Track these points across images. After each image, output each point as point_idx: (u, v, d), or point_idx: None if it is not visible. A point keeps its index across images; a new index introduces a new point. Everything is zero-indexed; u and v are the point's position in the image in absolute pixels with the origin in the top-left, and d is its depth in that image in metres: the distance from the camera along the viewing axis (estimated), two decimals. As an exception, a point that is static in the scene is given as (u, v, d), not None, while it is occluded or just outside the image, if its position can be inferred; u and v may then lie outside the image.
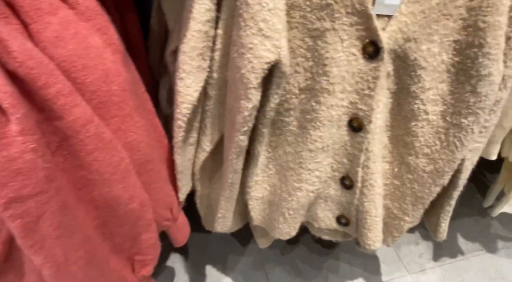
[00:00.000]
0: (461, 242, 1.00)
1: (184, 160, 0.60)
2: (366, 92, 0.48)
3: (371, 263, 0.94)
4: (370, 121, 0.50)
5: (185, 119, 0.53)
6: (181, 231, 0.69)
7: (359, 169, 0.54)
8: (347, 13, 0.43)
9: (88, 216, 0.48)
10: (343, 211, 0.61)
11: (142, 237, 0.55)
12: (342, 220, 0.62)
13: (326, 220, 0.63)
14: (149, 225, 0.55)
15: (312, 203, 0.61)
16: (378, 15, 0.45)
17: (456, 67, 0.47)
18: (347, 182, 0.57)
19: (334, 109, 0.50)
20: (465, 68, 0.46)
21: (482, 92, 0.46)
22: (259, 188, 0.63)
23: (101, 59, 0.42)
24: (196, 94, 0.51)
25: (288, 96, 0.52)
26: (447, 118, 0.50)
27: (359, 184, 0.56)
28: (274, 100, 0.48)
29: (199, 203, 0.70)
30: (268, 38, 0.42)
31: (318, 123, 0.51)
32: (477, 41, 0.44)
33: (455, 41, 0.45)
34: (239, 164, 0.54)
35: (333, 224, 0.63)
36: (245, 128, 0.48)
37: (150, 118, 0.55)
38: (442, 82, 0.48)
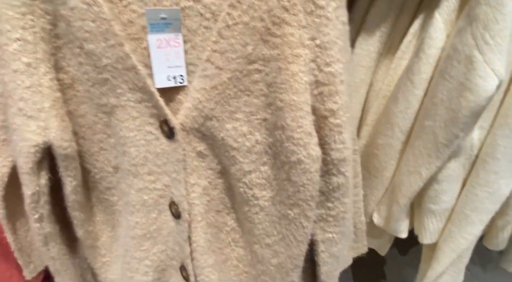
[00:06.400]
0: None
1: (20, 236, 0.53)
2: (174, 176, 0.41)
3: None
4: (184, 209, 0.42)
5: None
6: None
7: (188, 261, 0.45)
8: (130, 89, 0.37)
9: None
10: (191, 304, 0.51)
11: None
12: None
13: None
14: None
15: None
16: (175, 88, 0.38)
17: (272, 149, 0.39)
18: (184, 274, 0.48)
19: (145, 193, 0.42)
20: (278, 152, 0.38)
21: (298, 181, 0.37)
22: (111, 270, 0.55)
23: None
24: (5, 170, 0.46)
25: (103, 174, 0.45)
26: (277, 207, 0.41)
27: (192, 279, 0.46)
28: (70, 183, 0.42)
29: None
30: (31, 118, 0.36)
31: (132, 208, 0.43)
32: (279, 123, 0.36)
33: (264, 120, 0.38)
34: (54, 250, 0.46)
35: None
36: (36, 216, 0.42)
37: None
38: (264, 164, 0.40)
